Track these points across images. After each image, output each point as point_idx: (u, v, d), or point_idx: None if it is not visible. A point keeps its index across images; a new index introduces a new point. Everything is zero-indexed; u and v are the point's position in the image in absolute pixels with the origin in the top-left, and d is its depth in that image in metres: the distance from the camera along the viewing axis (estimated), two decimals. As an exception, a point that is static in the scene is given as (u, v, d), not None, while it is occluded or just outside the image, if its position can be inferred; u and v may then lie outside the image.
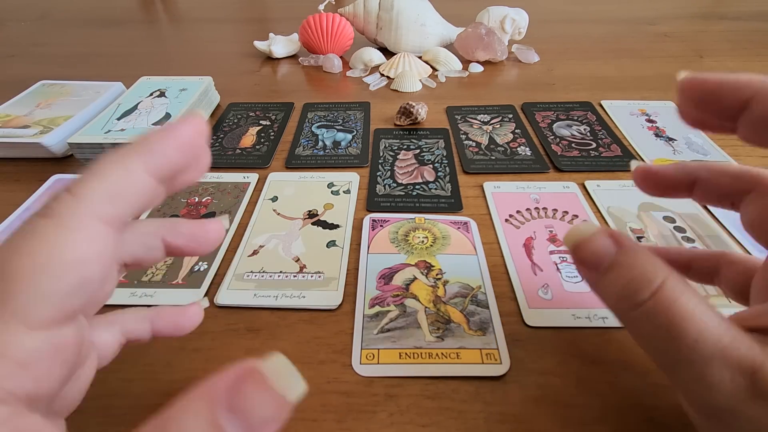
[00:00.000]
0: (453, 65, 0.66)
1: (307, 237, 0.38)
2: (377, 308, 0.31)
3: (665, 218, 0.39)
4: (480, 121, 0.54)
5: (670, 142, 0.49)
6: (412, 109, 0.52)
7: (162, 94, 0.52)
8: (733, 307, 0.31)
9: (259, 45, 0.73)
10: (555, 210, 0.40)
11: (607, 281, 0.20)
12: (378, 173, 0.45)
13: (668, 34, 0.80)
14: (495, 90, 0.62)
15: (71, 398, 0.19)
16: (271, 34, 0.73)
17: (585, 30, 0.83)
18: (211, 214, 0.40)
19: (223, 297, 0.32)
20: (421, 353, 0.29)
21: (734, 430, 0.18)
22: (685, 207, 0.40)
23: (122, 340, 0.22)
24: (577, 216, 0.39)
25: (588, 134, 0.51)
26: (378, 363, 0.28)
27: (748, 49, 0.73)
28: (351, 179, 0.44)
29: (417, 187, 0.43)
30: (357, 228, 0.39)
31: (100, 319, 0.22)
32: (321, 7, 0.72)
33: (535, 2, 0.96)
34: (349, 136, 0.51)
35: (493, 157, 0.47)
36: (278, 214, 0.40)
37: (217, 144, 0.50)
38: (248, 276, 0.34)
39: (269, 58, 0.73)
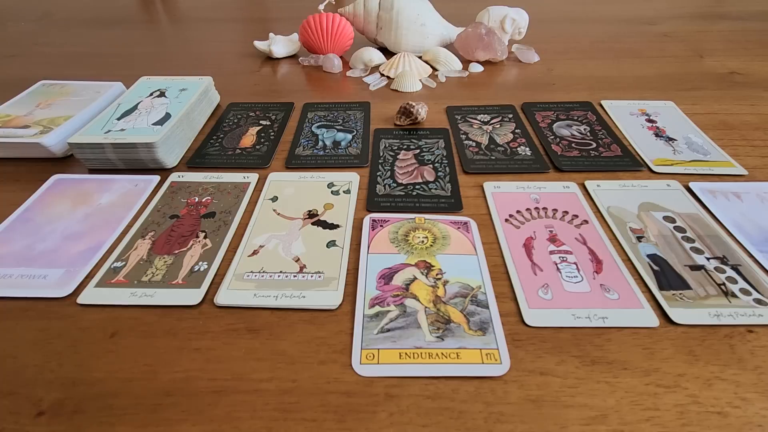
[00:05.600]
0: (453, 65, 0.66)
1: (307, 237, 0.38)
2: (377, 308, 0.31)
3: (665, 218, 0.39)
4: (480, 121, 0.54)
5: (670, 142, 0.49)
6: (412, 109, 0.52)
7: (162, 94, 0.52)
8: (732, 307, 0.31)
9: (259, 45, 0.73)
10: (555, 210, 0.40)
11: None
12: (378, 173, 0.45)
13: (668, 34, 0.80)
14: (495, 90, 0.62)
15: None
16: (271, 34, 0.73)
17: (585, 30, 0.83)
18: (211, 215, 0.40)
19: (223, 297, 0.32)
20: (421, 353, 0.29)
21: None
22: (686, 207, 0.40)
23: None
24: (577, 216, 0.39)
25: (588, 134, 0.51)
26: (378, 363, 0.28)
27: (748, 49, 0.73)
28: (351, 179, 0.44)
29: (417, 187, 0.43)
30: (357, 228, 0.39)
31: None
32: (321, 7, 0.72)
33: (535, 2, 0.96)
34: (349, 136, 0.51)
35: (493, 157, 0.47)
36: (278, 214, 0.40)
37: (217, 144, 0.50)
38: (248, 276, 0.34)
39: (269, 58, 0.73)
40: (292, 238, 0.38)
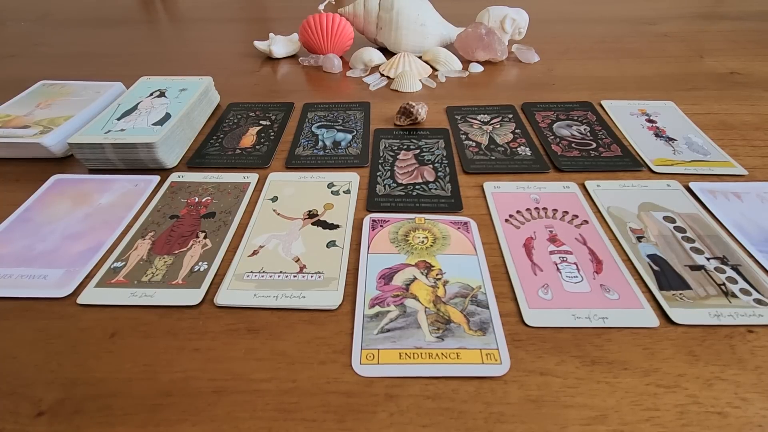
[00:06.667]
0: (453, 65, 0.66)
1: (307, 237, 0.38)
2: (377, 308, 0.31)
3: (665, 218, 0.39)
4: (480, 121, 0.54)
5: (670, 142, 0.49)
6: (412, 109, 0.52)
7: (162, 94, 0.52)
8: (733, 307, 0.31)
9: (259, 45, 0.73)
10: (555, 210, 0.40)
11: None
12: (378, 173, 0.45)
13: (668, 34, 0.80)
14: (495, 90, 0.62)
15: None
16: (271, 34, 0.73)
17: (585, 30, 0.83)
18: (212, 215, 0.40)
19: (223, 297, 0.32)
20: (421, 353, 0.29)
21: None
22: (686, 207, 0.40)
23: None
24: (577, 216, 0.39)
25: (588, 134, 0.51)
26: (378, 363, 0.28)
27: (747, 49, 0.73)
28: (351, 179, 0.44)
29: (417, 187, 0.43)
30: (357, 228, 0.39)
31: None
32: (321, 7, 0.72)
33: (535, 2, 0.96)
34: (349, 136, 0.51)
35: (493, 157, 0.47)
36: (278, 214, 0.40)
37: (217, 144, 0.50)
38: (248, 276, 0.34)
39: (269, 58, 0.73)
40: (292, 238, 0.38)
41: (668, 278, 0.33)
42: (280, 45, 0.72)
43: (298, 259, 0.36)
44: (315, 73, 0.68)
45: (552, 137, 0.50)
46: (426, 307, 0.31)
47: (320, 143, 0.50)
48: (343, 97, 0.61)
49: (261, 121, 0.55)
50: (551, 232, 0.38)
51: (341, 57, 0.71)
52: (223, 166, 0.47)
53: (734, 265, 0.34)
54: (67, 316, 0.32)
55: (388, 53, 0.71)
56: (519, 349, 0.29)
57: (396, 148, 0.49)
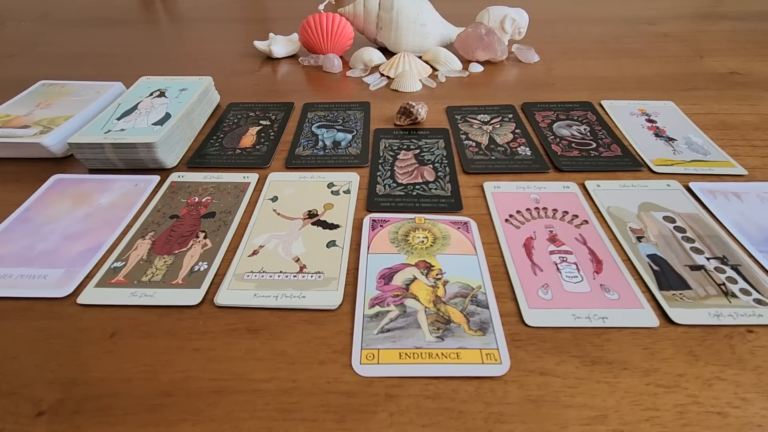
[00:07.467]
0: (453, 65, 0.66)
1: (307, 237, 0.38)
2: (377, 308, 0.31)
3: (665, 218, 0.39)
4: (480, 121, 0.54)
5: (670, 142, 0.49)
6: (412, 109, 0.52)
7: (162, 94, 0.52)
8: (732, 307, 0.31)
9: (259, 45, 0.73)
10: (555, 210, 0.40)
11: None
12: (378, 173, 0.45)
13: (668, 34, 0.80)
14: (495, 90, 0.62)
15: None
16: (271, 34, 0.73)
17: (585, 30, 0.83)
18: (211, 215, 0.40)
19: (223, 297, 0.32)
20: (421, 353, 0.29)
21: None
22: (686, 207, 0.40)
23: None
24: (577, 216, 0.39)
25: (588, 134, 0.51)
26: (378, 363, 0.28)
27: (747, 49, 0.73)
28: (351, 179, 0.44)
29: (417, 187, 0.43)
30: (357, 228, 0.39)
31: None
32: (321, 7, 0.72)
33: (535, 2, 0.96)
34: (349, 136, 0.51)
35: (493, 157, 0.47)
36: (278, 214, 0.40)
37: (217, 144, 0.50)
38: (248, 276, 0.34)
39: (269, 58, 0.73)
40: (292, 238, 0.38)
41: (668, 278, 0.33)
42: (280, 45, 0.72)
43: (298, 259, 0.36)
44: (315, 73, 0.68)
45: (552, 137, 0.50)
46: (426, 307, 0.31)
47: (320, 143, 0.50)
48: (343, 97, 0.61)
49: (261, 121, 0.55)
50: (551, 232, 0.38)
51: (341, 57, 0.71)
52: (223, 166, 0.47)
53: (734, 265, 0.34)
54: (67, 316, 0.32)
55: (388, 53, 0.71)
56: (519, 349, 0.29)
57: (396, 148, 0.49)
